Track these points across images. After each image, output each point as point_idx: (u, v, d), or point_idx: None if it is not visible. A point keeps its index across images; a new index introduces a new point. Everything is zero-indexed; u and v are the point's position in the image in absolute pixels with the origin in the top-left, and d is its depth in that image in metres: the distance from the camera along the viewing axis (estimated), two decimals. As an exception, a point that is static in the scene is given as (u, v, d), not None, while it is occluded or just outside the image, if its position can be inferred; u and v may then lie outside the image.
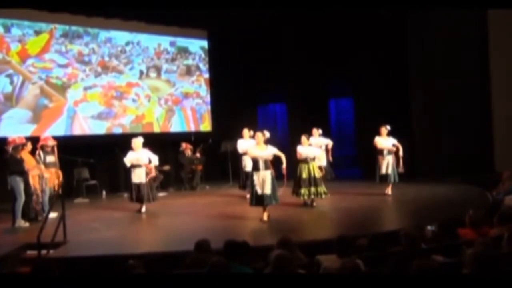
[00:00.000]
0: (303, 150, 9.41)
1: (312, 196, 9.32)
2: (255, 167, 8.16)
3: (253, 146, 8.49)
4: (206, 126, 15.45)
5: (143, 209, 9.74)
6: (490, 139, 12.76)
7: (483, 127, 12.79)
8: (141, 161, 9.67)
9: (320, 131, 11.36)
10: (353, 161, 15.25)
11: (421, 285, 3.41)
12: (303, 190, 9.24)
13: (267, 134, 8.42)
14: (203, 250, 5.03)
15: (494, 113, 12.79)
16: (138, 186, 9.61)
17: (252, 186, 8.14)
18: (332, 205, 9.77)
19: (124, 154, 9.79)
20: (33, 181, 8.80)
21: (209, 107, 15.54)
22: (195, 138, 14.24)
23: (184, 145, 13.53)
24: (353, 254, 4.47)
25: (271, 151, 8.23)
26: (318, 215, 9.03)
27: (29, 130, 11.80)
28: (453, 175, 12.05)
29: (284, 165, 8.31)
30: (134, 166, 9.64)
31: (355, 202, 9.96)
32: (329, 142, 11.49)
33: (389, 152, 10.46)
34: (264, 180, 8.04)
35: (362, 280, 3.64)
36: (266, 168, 8.12)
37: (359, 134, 14.37)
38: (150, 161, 9.85)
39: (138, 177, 9.63)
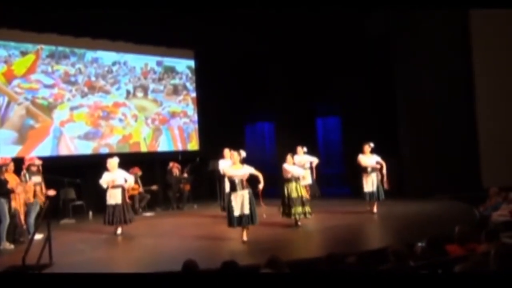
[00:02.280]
0: (290, 168, 9.40)
1: (302, 216, 9.29)
2: (232, 187, 8.09)
3: (229, 166, 8.40)
4: (193, 145, 15.42)
5: (119, 231, 9.50)
6: (477, 156, 12.84)
7: (469, 144, 12.87)
8: (117, 181, 9.43)
9: (305, 149, 11.41)
10: (341, 179, 15.27)
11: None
12: (295, 209, 9.18)
13: (243, 153, 8.37)
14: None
15: (480, 130, 12.89)
16: (114, 207, 9.35)
17: (230, 207, 8.05)
18: (321, 223, 9.75)
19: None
20: (15, 202, 8.69)
21: (196, 126, 15.53)
22: (183, 158, 14.20)
23: (171, 164, 13.47)
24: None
25: (247, 170, 8.17)
26: (306, 234, 9.01)
27: (15, 151, 11.70)
28: (441, 192, 12.10)
29: (261, 185, 8.19)
30: (109, 187, 9.41)
31: (344, 220, 9.95)
32: (314, 160, 11.53)
33: (373, 169, 10.49)
34: (242, 200, 7.98)
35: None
36: (243, 188, 8.04)
37: (346, 152, 14.39)
38: (125, 181, 9.65)
39: (114, 198, 9.37)
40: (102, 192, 9.60)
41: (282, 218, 9.40)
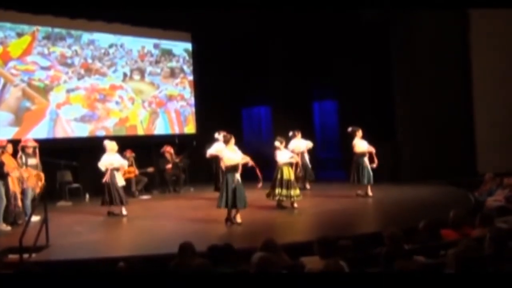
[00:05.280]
0: (281, 154, 9.47)
1: (299, 198, 9.41)
2: (232, 169, 8.13)
3: (225, 149, 8.37)
4: (190, 128, 15.41)
5: (124, 211, 9.63)
6: (473, 142, 12.89)
7: (465, 130, 12.92)
8: (115, 164, 9.57)
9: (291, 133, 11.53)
10: (337, 164, 15.27)
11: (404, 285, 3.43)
12: (293, 192, 9.28)
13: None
14: (187, 253, 5.01)
15: (476, 116, 12.93)
16: (119, 189, 9.52)
17: (230, 189, 8.04)
18: (317, 207, 9.81)
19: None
20: (12, 184, 8.69)
21: (193, 109, 15.50)
22: (179, 141, 14.18)
23: (163, 148, 13.42)
24: (336, 255, 4.48)
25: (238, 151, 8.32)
26: (301, 217, 9.07)
27: (11, 133, 11.67)
28: (437, 177, 12.15)
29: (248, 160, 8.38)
30: (115, 169, 9.55)
31: (340, 204, 9.99)
32: (309, 144, 11.66)
33: (366, 154, 10.57)
34: (239, 183, 8.08)
35: (346, 280, 3.64)
36: (238, 170, 8.14)
37: (343, 137, 14.38)
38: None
39: (120, 180, 9.59)
40: (99, 175, 9.63)
41: (271, 201, 9.48)
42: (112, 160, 9.55)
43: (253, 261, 3.91)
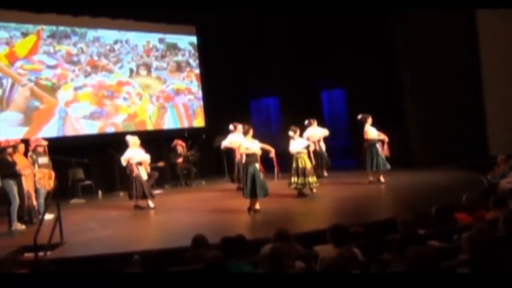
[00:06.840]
0: (296, 143, 9.49)
1: (315, 184, 9.50)
2: (251, 159, 8.22)
3: (244, 139, 8.53)
4: (199, 122, 15.41)
5: (151, 204, 9.81)
6: (484, 124, 12.77)
7: (476, 112, 12.80)
8: (136, 159, 9.68)
9: (306, 122, 11.52)
10: (347, 152, 15.22)
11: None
12: (310, 179, 9.36)
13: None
14: (200, 246, 5.02)
15: (486, 98, 12.80)
16: (144, 182, 9.71)
17: (257, 178, 8.15)
18: (329, 195, 9.80)
19: (120, 153, 9.78)
20: (26, 183, 8.74)
21: (201, 102, 15.49)
22: (189, 134, 14.20)
23: (175, 141, 13.46)
24: (349, 242, 4.47)
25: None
26: (315, 206, 9.06)
27: (21, 132, 11.72)
28: (448, 161, 12.06)
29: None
30: (139, 163, 9.70)
31: (352, 191, 9.96)
32: (325, 132, 11.69)
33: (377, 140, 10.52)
34: (258, 173, 8.16)
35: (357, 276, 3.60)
36: (257, 160, 8.28)
37: (352, 125, 14.31)
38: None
39: (144, 174, 9.76)
40: (111, 171, 9.71)
41: (290, 190, 9.50)
42: (133, 155, 9.64)
43: (264, 252, 3.89)
